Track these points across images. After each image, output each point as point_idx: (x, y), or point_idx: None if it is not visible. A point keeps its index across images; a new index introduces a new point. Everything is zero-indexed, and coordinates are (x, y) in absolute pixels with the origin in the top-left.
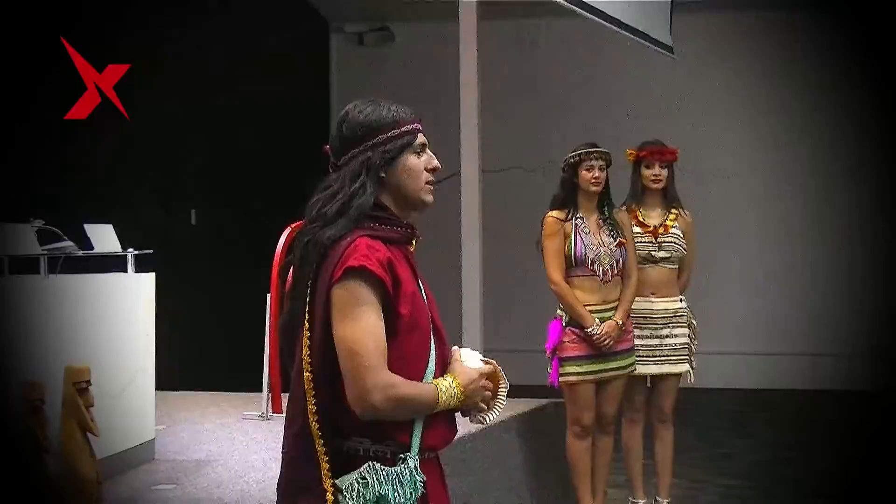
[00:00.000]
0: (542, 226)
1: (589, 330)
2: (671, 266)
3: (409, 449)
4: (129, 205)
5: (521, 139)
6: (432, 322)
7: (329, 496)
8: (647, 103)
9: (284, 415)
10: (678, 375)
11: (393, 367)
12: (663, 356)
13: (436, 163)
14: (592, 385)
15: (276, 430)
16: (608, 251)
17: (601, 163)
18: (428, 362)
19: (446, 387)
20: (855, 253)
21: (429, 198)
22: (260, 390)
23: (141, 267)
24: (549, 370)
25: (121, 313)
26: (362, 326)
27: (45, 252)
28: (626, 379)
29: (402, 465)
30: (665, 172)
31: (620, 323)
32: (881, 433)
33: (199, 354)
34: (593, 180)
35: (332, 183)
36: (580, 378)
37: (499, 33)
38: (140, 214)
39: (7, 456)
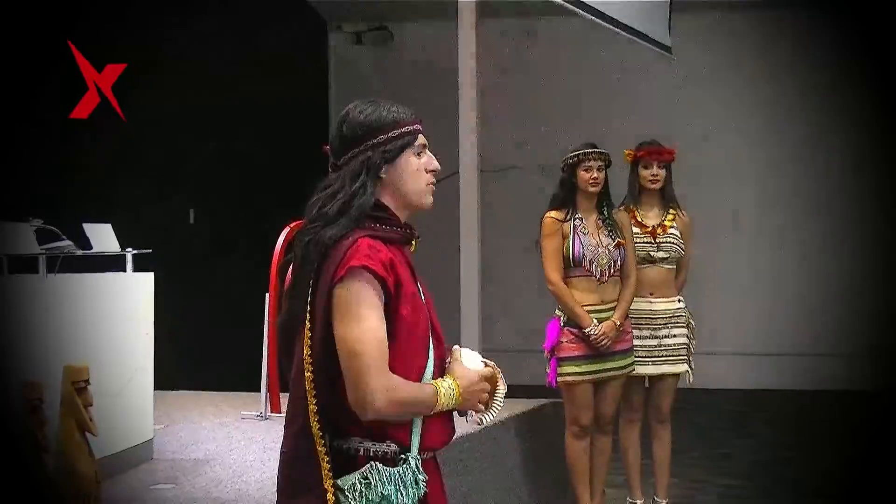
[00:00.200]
0: (540, 226)
1: (587, 330)
2: (669, 266)
3: (409, 449)
4: (127, 204)
5: (519, 139)
6: (430, 323)
7: (330, 496)
8: (645, 103)
9: (284, 414)
10: (676, 376)
11: (393, 367)
12: (662, 356)
13: (436, 164)
14: (590, 385)
15: (274, 429)
16: (606, 251)
17: (600, 163)
18: (426, 363)
19: (446, 388)
20: (854, 253)
21: (429, 199)
22: (258, 390)
23: (140, 266)
24: (548, 370)
25: (119, 313)
26: (364, 327)
27: (44, 251)
28: (624, 379)
29: (405, 466)
30: (663, 173)
31: (618, 323)
32: (880, 433)
33: (197, 354)
34: (592, 181)
35: (332, 182)
36: (578, 378)
37: (497, 33)
38: (139, 214)
39: (6, 455)
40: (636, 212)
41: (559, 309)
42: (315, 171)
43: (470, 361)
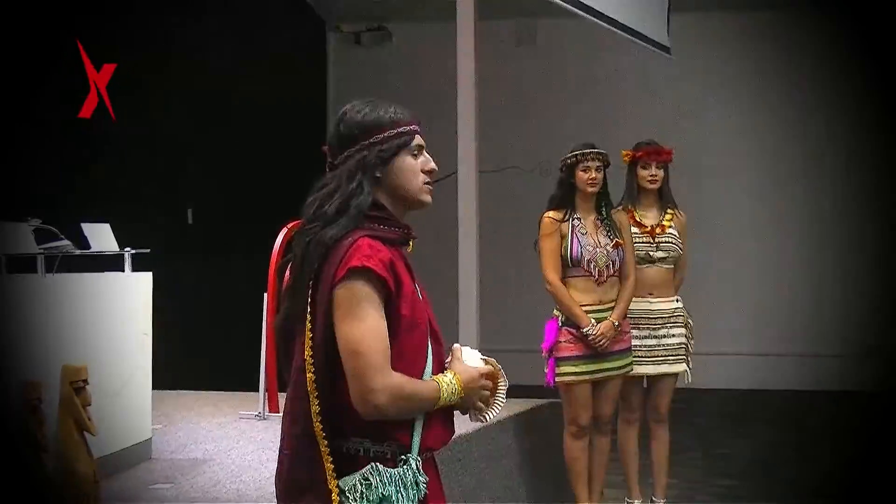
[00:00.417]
0: (538, 226)
1: (585, 330)
2: (668, 266)
3: (409, 449)
4: (125, 204)
5: (518, 139)
6: (429, 322)
7: (335, 497)
8: (643, 103)
9: (283, 414)
10: (675, 375)
11: (393, 366)
12: (661, 356)
13: (432, 165)
14: (589, 385)
15: (272, 429)
16: (604, 252)
17: (598, 163)
18: (426, 362)
19: (447, 383)
20: (852, 253)
21: (427, 197)
22: (256, 390)
23: (138, 266)
24: (546, 370)
25: (118, 312)
26: (366, 326)
27: (43, 251)
28: (622, 379)
29: (405, 466)
30: (661, 173)
31: (616, 323)
32: (878, 433)
33: (195, 354)
34: (590, 181)
35: (329, 182)
36: (576, 378)
37: (496, 33)
38: (137, 213)
39: (5, 455)
40: (634, 212)
41: (557, 309)
42: (314, 171)
43: (470, 359)
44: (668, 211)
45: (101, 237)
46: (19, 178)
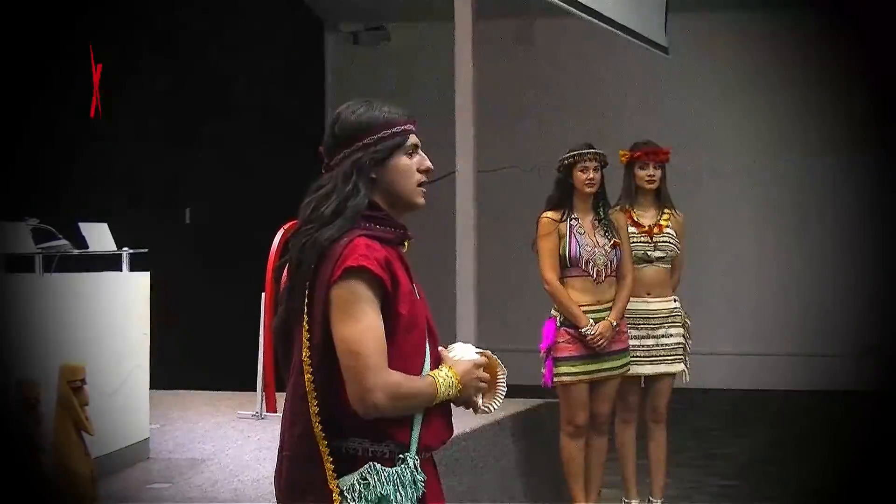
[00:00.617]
0: (537, 226)
1: (583, 330)
2: (665, 266)
3: (407, 448)
4: (123, 204)
5: (516, 139)
6: (427, 321)
7: (336, 497)
8: (641, 103)
9: (283, 415)
10: (673, 375)
11: (392, 365)
12: (659, 356)
13: (428, 164)
14: (586, 385)
15: (270, 428)
16: (603, 252)
17: (596, 164)
18: (424, 361)
19: (444, 377)
20: (849, 253)
21: (420, 200)
22: (254, 389)
23: (136, 266)
24: (543, 370)
25: (115, 312)
26: (363, 326)
27: (41, 251)
28: (619, 379)
29: (403, 465)
30: (659, 173)
31: (614, 323)
32: (875, 433)
33: (193, 353)
34: (588, 181)
35: (325, 184)
36: (574, 378)
37: (494, 33)
38: (135, 213)
39: (2, 454)
40: (632, 212)
41: (555, 309)
42: (311, 171)
43: (464, 352)
44: (666, 211)
45: (99, 237)
46: (17, 178)
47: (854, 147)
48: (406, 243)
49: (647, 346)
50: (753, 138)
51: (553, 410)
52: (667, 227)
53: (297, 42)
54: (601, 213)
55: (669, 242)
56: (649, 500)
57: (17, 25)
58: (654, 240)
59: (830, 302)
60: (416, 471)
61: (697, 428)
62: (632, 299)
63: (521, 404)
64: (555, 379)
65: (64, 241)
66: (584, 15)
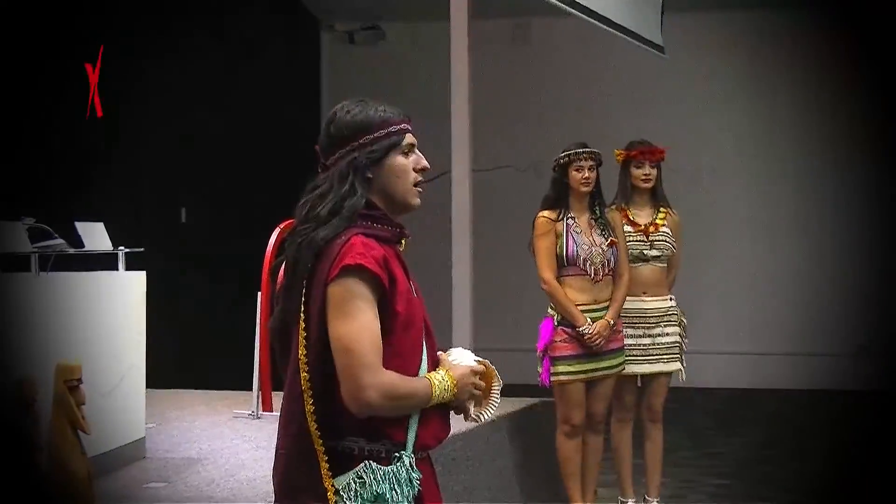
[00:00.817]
0: (533, 226)
1: (581, 329)
2: (661, 265)
3: (404, 447)
4: (119, 203)
5: (511, 138)
6: (424, 320)
7: (331, 496)
8: (637, 102)
9: (280, 414)
10: (669, 374)
11: (388, 364)
12: (655, 355)
13: (424, 163)
14: (583, 384)
15: (266, 427)
16: (600, 251)
17: (591, 163)
18: (421, 360)
19: (439, 379)
20: (844, 252)
21: (415, 200)
22: (250, 388)
23: (131, 265)
24: (540, 369)
25: (111, 311)
26: (358, 324)
27: (37, 250)
28: (616, 378)
29: (398, 464)
30: (655, 172)
31: (612, 322)
32: (871, 432)
33: (189, 352)
34: (583, 180)
35: (321, 184)
36: (571, 377)
37: (490, 32)
38: (131, 212)
39: None
40: (628, 211)
41: (552, 308)
42: (307, 170)
43: (463, 358)
44: (662, 210)
45: (95, 236)
46: (14, 177)
47: (850, 146)
48: (403, 242)
49: (644, 345)
50: (749, 138)
51: (549, 409)
52: (663, 226)
53: (292, 41)
54: (597, 212)
55: (665, 241)
56: (645, 498)
57: (16, 24)
58: (650, 239)
59: (826, 301)
60: (412, 469)
61: (693, 427)
62: (628, 298)
63: (517, 403)
64: (552, 378)
65: (60, 241)
66: (580, 14)
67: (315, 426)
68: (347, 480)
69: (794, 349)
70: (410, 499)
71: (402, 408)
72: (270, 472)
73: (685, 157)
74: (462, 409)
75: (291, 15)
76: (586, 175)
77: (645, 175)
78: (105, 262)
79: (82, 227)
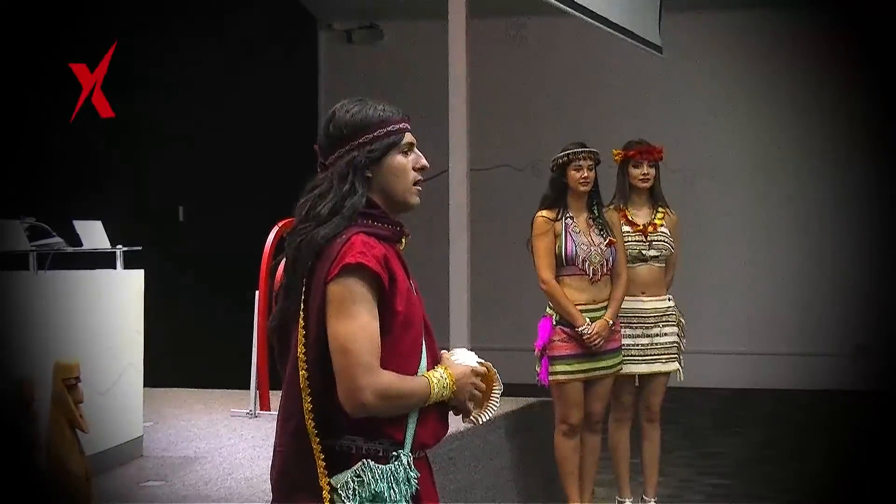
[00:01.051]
0: (532, 225)
1: (580, 329)
2: (660, 265)
3: (402, 446)
4: (117, 201)
5: (509, 138)
6: (423, 319)
7: (326, 494)
8: (635, 102)
9: (278, 412)
10: (667, 374)
11: (388, 363)
12: (654, 355)
13: (424, 162)
14: (581, 384)
15: (263, 426)
16: (598, 250)
17: (590, 163)
18: (421, 358)
19: (438, 378)
20: (843, 252)
21: (415, 200)
22: (248, 387)
23: (129, 263)
24: (538, 369)
25: (109, 310)
26: (356, 324)
27: (35, 248)
28: (613, 378)
29: (396, 463)
30: (653, 171)
31: (610, 322)
32: (869, 432)
33: (187, 351)
34: (582, 180)
35: (320, 183)
36: (569, 377)
37: (488, 31)
38: (128, 211)
39: None
40: (626, 211)
41: (550, 307)
42: (305, 169)
43: (466, 359)
44: (660, 210)
45: (93, 234)
46: (12, 176)
47: (850, 147)
48: (403, 240)
49: (642, 345)
50: (747, 138)
51: (547, 409)
52: (661, 226)
53: (290, 40)
54: (595, 212)
55: (664, 241)
56: (643, 498)
57: (15, 23)
58: (649, 239)
59: (824, 301)
60: (410, 468)
61: (691, 427)
62: (626, 298)
63: (514, 403)
64: (550, 377)
65: (58, 239)
66: (577, 14)
67: (313, 425)
68: (346, 479)
69: (793, 349)
70: (408, 498)
71: (399, 408)
72: (268, 471)
73: (684, 157)
74: (461, 409)
75: (289, 14)
76: (585, 175)
77: (643, 175)
78: (103, 260)
79: (80, 226)
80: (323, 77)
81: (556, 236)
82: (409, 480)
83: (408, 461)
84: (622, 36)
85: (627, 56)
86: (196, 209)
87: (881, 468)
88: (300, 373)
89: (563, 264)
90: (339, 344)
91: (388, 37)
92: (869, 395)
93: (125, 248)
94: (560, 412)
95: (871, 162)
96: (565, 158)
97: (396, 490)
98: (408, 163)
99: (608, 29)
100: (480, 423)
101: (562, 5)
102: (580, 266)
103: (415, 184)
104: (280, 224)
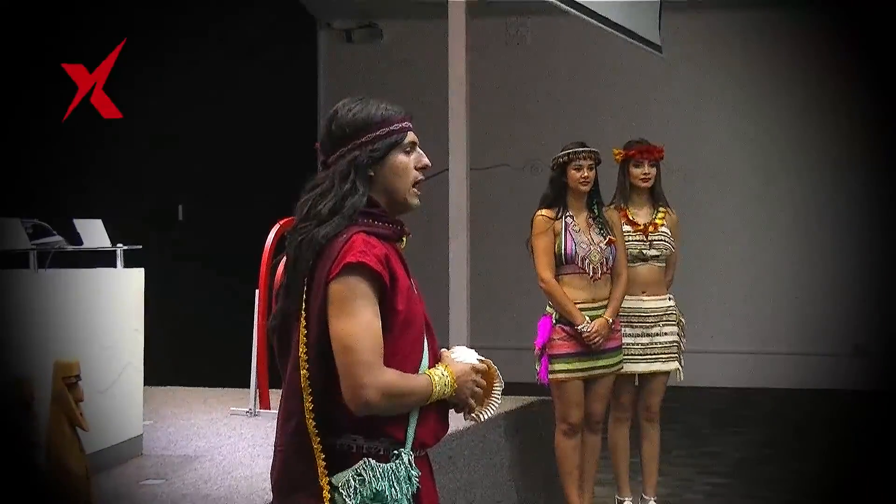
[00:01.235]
0: (531, 225)
1: (580, 327)
2: (660, 264)
3: (403, 445)
4: (117, 200)
5: (509, 137)
6: (424, 317)
7: (325, 493)
8: (635, 102)
9: (278, 411)
10: (667, 374)
11: (389, 362)
12: (653, 355)
13: (426, 161)
14: (581, 383)
15: (263, 425)
16: (598, 249)
17: (590, 162)
18: (422, 357)
19: (439, 375)
20: (843, 252)
21: (415, 201)
22: (247, 386)
23: (129, 262)
24: (538, 367)
25: (109, 308)
26: (358, 322)
27: (35, 247)
28: (613, 377)
29: (397, 461)
30: (654, 171)
31: (610, 321)
32: (867, 432)
33: (187, 350)
34: (582, 179)
35: (322, 182)
36: (569, 376)
37: (487, 31)
38: (128, 210)
39: None
40: (627, 210)
41: (550, 306)
42: (304, 168)
43: (466, 356)
44: (661, 209)
45: (94, 233)
46: (11, 175)
47: (847, 146)
48: (404, 239)
49: (642, 344)
50: (748, 137)
51: (547, 408)
52: (662, 225)
53: (290, 39)
54: (595, 211)
55: (664, 241)
56: (642, 497)
57: (15, 22)
58: (650, 238)
59: (824, 301)
60: (411, 467)
61: (690, 426)
62: (627, 298)
63: (514, 402)
64: (550, 376)
65: (58, 238)
66: (577, 13)
67: (314, 424)
68: (346, 478)
69: (793, 349)
70: (409, 496)
71: (402, 406)
72: (268, 470)
73: (684, 157)
74: (463, 406)
75: (289, 14)
76: (585, 174)
77: (644, 174)
78: (103, 259)
79: (81, 225)
80: (323, 77)
81: (556, 235)
82: (409, 479)
83: (409, 460)
84: (622, 36)
85: (627, 56)
86: (196, 208)
87: (881, 468)
88: (301, 372)
89: (563, 263)
90: (341, 343)
91: (387, 36)
92: (869, 395)
93: (125, 247)
94: (560, 411)
95: (871, 162)
96: (565, 158)
97: (397, 489)
98: (410, 162)
99: (608, 29)
100: (482, 420)
101: (562, 5)
102: (580, 265)
103: (415, 183)
104: (280, 223)
